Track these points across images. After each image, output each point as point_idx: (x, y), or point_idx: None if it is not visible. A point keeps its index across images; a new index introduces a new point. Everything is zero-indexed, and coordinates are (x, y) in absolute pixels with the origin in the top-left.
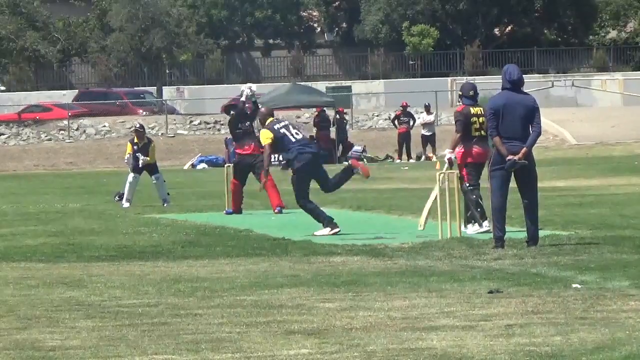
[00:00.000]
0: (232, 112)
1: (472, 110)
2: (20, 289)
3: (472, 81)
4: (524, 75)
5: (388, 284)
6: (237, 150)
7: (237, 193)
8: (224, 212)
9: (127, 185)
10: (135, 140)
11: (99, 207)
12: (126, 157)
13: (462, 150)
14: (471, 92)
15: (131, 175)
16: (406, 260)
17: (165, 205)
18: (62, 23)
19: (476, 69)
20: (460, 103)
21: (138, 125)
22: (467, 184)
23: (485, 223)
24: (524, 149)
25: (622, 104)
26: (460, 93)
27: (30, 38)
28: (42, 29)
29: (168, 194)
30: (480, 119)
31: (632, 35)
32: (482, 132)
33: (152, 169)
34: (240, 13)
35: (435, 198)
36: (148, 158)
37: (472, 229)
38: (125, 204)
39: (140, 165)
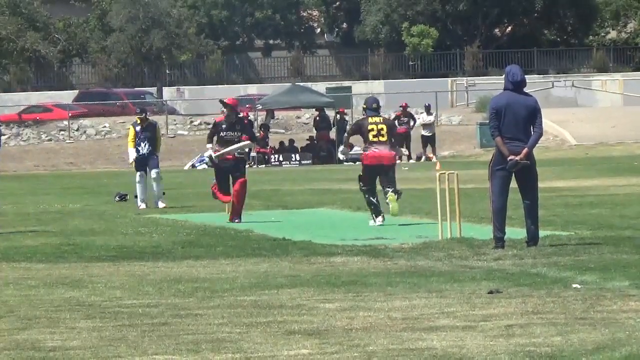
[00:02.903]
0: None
1: (371, 119)
2: (21, 290)
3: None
4: (524, 76)
5: (388, 285)
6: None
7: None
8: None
9: (137, 185)
10: (138, 122)
11: (99, 207)
12: (130, 157)
13: (362, 154)
14: (374, 105)
15: (137, 174)
16: (406, 261)
17: (158, 205)
18: (62, 23)
19: (476, 70)
20: (364, 114)
21: (138, 111)
22: (362, 185)
23: (379, 219)
24: (525, 149)
25: (622, 104)
26: (365, 106)
27: (30, 38)
28: (43, 29)
29: (164, 193)
30: (379, 126)
31: (632, 35)
32: (380, 138)
33: (152, 162)
34: (240, 13)
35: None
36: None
37: (371, 223)
38: (141, 205)
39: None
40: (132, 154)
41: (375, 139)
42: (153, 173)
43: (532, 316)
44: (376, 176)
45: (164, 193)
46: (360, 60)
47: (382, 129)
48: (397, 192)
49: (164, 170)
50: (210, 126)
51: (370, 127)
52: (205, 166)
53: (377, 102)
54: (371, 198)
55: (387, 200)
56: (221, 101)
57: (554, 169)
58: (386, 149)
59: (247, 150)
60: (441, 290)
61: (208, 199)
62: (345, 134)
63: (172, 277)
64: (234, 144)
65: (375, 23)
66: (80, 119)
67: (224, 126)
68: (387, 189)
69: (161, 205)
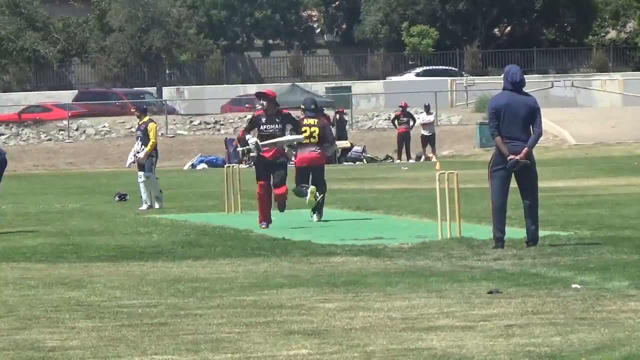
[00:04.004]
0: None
1: (306, 120)
2: (20, 289)
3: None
4: (524, 76)
5: (388, 285)
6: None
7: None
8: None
9: (140, 186)
10: (137, 121)
11: (98, 207)
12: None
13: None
14: (312, 106)
15: (139, 174)
16: (406, 261)
17: (156, 206)
18: (61, 23)
19: (476, 69)
20: (303, 115)
21: (134, 109)
22: (295, 184)
23: (315, 217)
24: (525, 149)
25: (621, 104)
26: (303, 107)
27: (30, 38)
28: (42, 29)
29: (161, 191)
30: (312, 129)
31: (632, 35)
32: (312, 140)
33: (145, 164)
34: (240, 13)
35: None
36: (142, 156)
37: (315, 218)
38: (142, 206)
39: (135, 162)
40: (129, 158)
41: (307, 141)
42: (144, 176)
43: (531, 316)
44: (308, 176)
45: (161, 191)
46: (359, 60)
47: (314, 131)
48: (322, 191)
49: (165, 170)
50: (247, 121)
51: (304, 128)
52: (205, 166)
53: (314, 103)
54: (304, 195)
55: (309, 190)
56: (259, 94)
57: (554, 168)
58: (315, 150)
59: (294, 144)
60: (441, 290)
61: (208, 199)
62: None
63: (172, 277)
64: (274, 137)
65: (375, 23)
66: (80, 119)
67: (263, 120)
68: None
69: (156, 206)
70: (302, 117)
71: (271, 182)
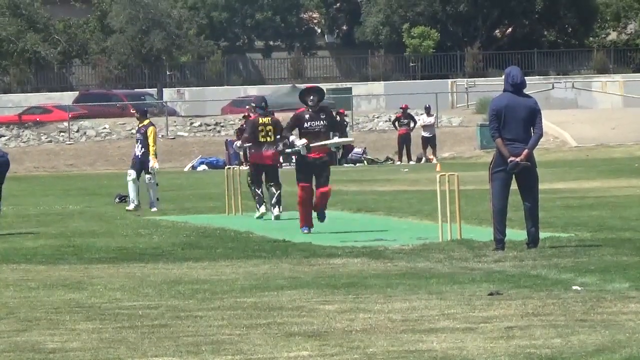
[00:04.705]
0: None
1: (261, 120)
2: (21, 291)
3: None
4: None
5: (388, 286)
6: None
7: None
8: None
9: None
10: (137, 123)
11: (99, 209)
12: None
13: (250, 152)
14: (263, 104)
15: (127, 172)
16: (406, 263)
17: (152, 209)
18: (62, 25)
19: (476, 71)
20: (254, 112)
21: (134, 111)
22: (249, 180)
23: (262, 208)
24: (526, 150)
25: (622, 105)
26: (254, 105)
27: (30, 40)
28: (43, 30)
29: (158, 198)
30: (267, 127)
31: (633, 37)
32: (268, 139)
33: (147, 167)
34: (240, 15)
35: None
36: (155, 165)
37: (256, 215)
38: (130, 205)
39: (150, 170)
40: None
41: (263, 140)
42: (146, 178)
43: (532, 318)
44: (261, 172)
45: (157, 199)
46: (360, 62)
47: (270, 129)
48: (279, 188)
49: (165, 171)
50: (291, 119)
51: (260, 127)
52: (205, 167)
53: (265, 101)
54: (256, 190)
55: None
56: (309, 90)
57: (554, 170)
58: (269, 149)
59: (341, 146)
60: (441, 292)
61: (208, 200)
62: (245, 134)
63: (172, 279)
64: (320, 135)
65: (376, 24)
66: (80, 120)
67: (306, 116)
68: (270, 184)
69: (153, 209)
70: (253, 116)
71: (313, 185)
